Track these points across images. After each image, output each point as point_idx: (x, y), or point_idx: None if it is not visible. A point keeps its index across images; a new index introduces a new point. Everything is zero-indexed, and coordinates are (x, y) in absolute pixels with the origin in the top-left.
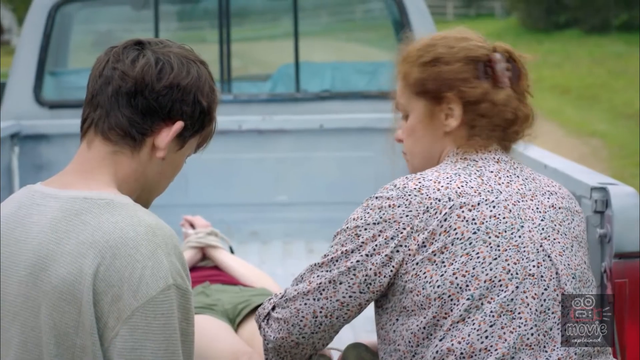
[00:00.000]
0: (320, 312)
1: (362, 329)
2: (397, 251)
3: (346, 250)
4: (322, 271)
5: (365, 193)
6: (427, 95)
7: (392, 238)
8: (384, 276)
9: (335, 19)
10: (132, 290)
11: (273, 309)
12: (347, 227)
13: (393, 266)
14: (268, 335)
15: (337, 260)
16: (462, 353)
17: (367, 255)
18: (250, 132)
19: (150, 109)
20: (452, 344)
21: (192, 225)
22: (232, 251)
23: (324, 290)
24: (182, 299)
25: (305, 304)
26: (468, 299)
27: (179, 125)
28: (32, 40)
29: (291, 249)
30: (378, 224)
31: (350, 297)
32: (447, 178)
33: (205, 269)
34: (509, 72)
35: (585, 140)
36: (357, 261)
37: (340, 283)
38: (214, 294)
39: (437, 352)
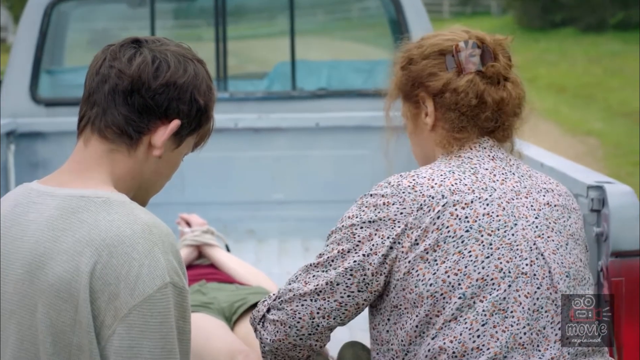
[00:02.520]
0: (318, 313)
1: (358, 327)
2: (391, 248)
3: (342, 249)
4: (318, 271)
5: (361, 191)
6: (407, 98)
7: (387, 237)
8: (381, 274)
9: (331, 17)
10: (129, 288)
11: (268, 311)
12: (343, 226)
13: (387, 264)
14: (265, 338)
15: (333, 260)
16: (454, 352)
17: (364, 255)
18: (246, 130)
19: (147, 107)
20: (445, 343)
21: (188, 224)
22: (228, 249)
23: (321, 291)
24: (178, 297)
25: (302, 305)
26: (460, 298)
27: (175, 123)
28: (28, 38)
29: (287, 247)
30: (373, 222)
31: (348, 296)
32: (441, 175)
33: (202, 267)
34: (475, 57)
35: (582, 139)
36: (355, 261)
37: (338, 284)
38: (210, 292)
39: (429, 350)
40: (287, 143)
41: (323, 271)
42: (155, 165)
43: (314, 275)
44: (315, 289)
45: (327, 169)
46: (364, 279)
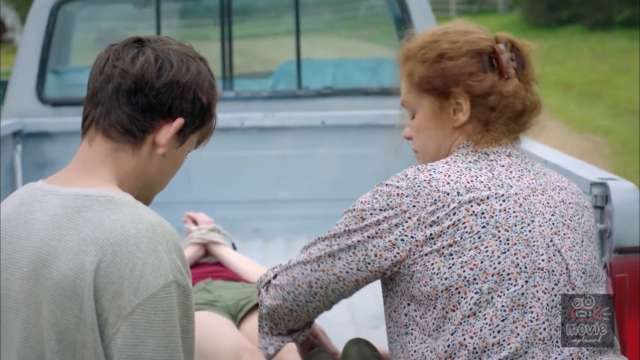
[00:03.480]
0: (316, 283)
1: (364, 325)
2: (402, 240)
3: (349, 229)
4: (323, 245)
5: (367, 189)
6: (433, 92)
7: (396, 225)
8: (385, 259)
9: (337, 16)
10: (132, 287)
11: (275, 277)
12: (354, 209)
13: (397, 253)
14: (264, 301)
15: (339, 237)
16: (474, 348)
17: (369, 237)
18: (252, 129)
19: (151, 106)
20: (465, 339)
21: (195, 222)
22: (234, 248)
23: (322, 262)
24: (182, 296)
25: (302, 273)
26: (476, 293)
27: (179, 122)
28: (35, 38)
29: (293, 246)
30: (384, 210)
31: (347, 272)
32: (458, 172)
33: (208, 265)
34: (514, 62)
35: (588, 137)
36: (358, 241)
37: (339, 259)
38: (216, 290)
39: (449, 346)
40: (293, 142)
41: (327, 245)
42: (160, 164)
43: (318, 248)
44: (317, 259)
45: (333, 168)
46: (364, 258)
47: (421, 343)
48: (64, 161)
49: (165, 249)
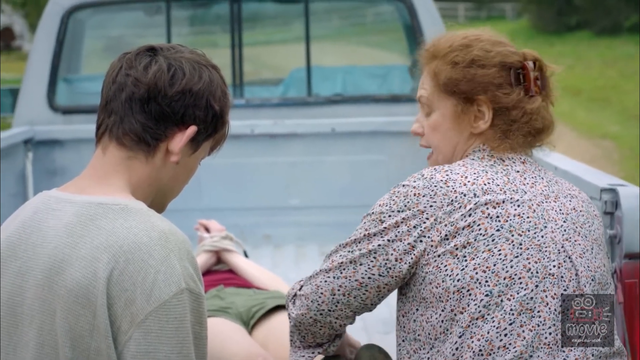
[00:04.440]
0: (339, 290)
1: (375, 330)
2: (420, 241)
3: (369, 233)
4: (345, 251)
5: (377, 196)
6: (457, 96)
7: (414, 227)
8: (404, 263)
9: (346, 23)
10: (145, 294)
11: (300, 288)
12: (373, 212)
13: (414, 254)
14: (291, 313)
15: (360, 242)
16: (480, 350)
17: (389, 240)
18: (262, 137)
19: (164, 115)
20: (472, 341)
21: (207, 229)
22: (246, 255)
23: (344, 269)
24: (194, 303)
25: (325, 281)
26: (486, 295)
27: (192, 130)
28: (45, 46)
29: (304, 253)
30: (402, 211)
31: (369, 278)
32: (475, 174)
33: (220, 272)
34: (539, 80)
35: (597, 142)
36: (379, 245)
37: (361, 264)
38: (228, 297)
39: (456, 348)
40: (303, 149)
41: (349, 251)
42: (173, 171)
43: (340, 255)
44: (339, 266)
45: (343, 174)
46: (385, 263)
47: (430, 349)
48: (74, 169)
49: (178, 256)
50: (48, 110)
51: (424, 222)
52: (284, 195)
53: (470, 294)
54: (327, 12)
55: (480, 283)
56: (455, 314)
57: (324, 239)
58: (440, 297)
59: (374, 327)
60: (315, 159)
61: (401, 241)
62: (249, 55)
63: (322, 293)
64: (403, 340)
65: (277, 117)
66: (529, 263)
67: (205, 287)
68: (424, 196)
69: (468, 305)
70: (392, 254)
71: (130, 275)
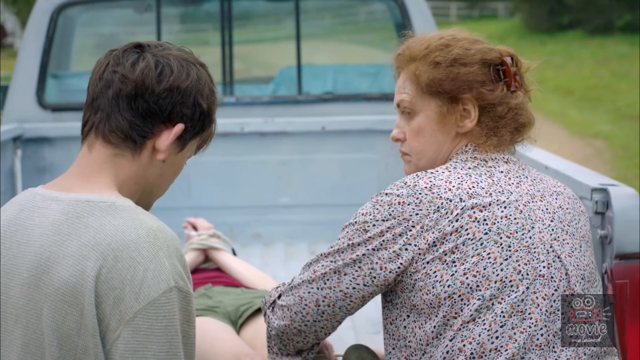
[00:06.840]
0: (323, 301)
1: (364, 330)
2: (406, 249)
3: (352, 243)
4: (327, 261)
5: (368, 195)
6: (442, 96)
7: (400, 235)
8: (390, 271)
9: (337, 22)
10: (133, 292)
11: (279, 297)
12: (356, 222)
13: (401, 263)
14: (272, 322)
15: (343, 252)
16: (472, 353)
17: (373, 249)
18: (252, 135)
19: (151, 112)
20: (464, 345)
21: (195, 227)
22: (234, 253)
23: (328, 279)
24: (183, 301)
25: (309, 292)
26: (479, 299)
27: (179, 127)
28: (35, 43)
29: (294, 251)
30: (387, 220)
31: (353, 288)
32: (459, 178)
33: (208, 270)
34: (518, 75)
35: (589, 142)
36: (363, 254)
37: (345, 274)
38: (216, 296)
39: (447, 352)
40: (293, 147)
41: (331, 261)
42: (159, 169)
43: (322, 265)
44: (323, 277)
45: (333, 173)
46: (370, 272)
47: (422, 354)
48: (64, 166)
49: (167, 254)
50: (37, 107)
51: (410, 230)
52: (274, 194)
53: (462, 300)
54: (319, 11)
55: (471, 288)
56: (448, 319)
57: (313, 238)
58: (431, 303)
59: (362, 327)
60: (305, 158)
61: (386, 249)
62: (240, 53)
63: (306, 305)
64: (393, 348)
65: (267, 115)
66: (519, 265)
67: (193, 285)
68: (409, 204)
69: (462, 310)
70: (377, 263)
71: (118, 273)
